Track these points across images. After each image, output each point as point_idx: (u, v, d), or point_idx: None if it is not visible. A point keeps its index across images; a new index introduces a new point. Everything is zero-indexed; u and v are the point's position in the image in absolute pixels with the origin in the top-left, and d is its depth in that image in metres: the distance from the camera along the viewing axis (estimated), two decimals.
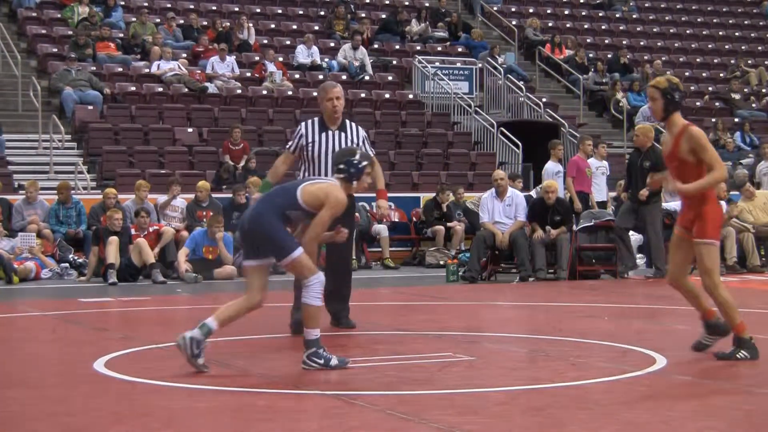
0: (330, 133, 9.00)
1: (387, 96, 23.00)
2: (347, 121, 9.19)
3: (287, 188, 7.14)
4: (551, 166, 16.48)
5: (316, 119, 9.15)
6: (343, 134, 9.02)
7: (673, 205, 16.27)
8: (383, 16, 26.71)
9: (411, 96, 23.24)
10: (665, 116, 7.29)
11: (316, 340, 6.97)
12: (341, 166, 7.19)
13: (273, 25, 25.42)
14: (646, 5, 32.17)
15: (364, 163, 7.19)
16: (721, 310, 7.35)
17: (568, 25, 29.58)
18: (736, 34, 31.41)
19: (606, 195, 17.10)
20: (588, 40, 28.78)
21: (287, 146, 9.26)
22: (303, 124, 9.18)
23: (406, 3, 28.00)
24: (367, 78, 23.35)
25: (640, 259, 16.37)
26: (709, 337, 7.52)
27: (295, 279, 7.95)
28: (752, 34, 31.62)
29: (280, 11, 26.32)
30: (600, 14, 30.89)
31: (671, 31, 30.78)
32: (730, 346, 7.32)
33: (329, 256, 9.28)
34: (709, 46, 30.26)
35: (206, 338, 6.93)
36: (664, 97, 7.27)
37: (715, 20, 32.18)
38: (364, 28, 24.87)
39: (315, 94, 22.06)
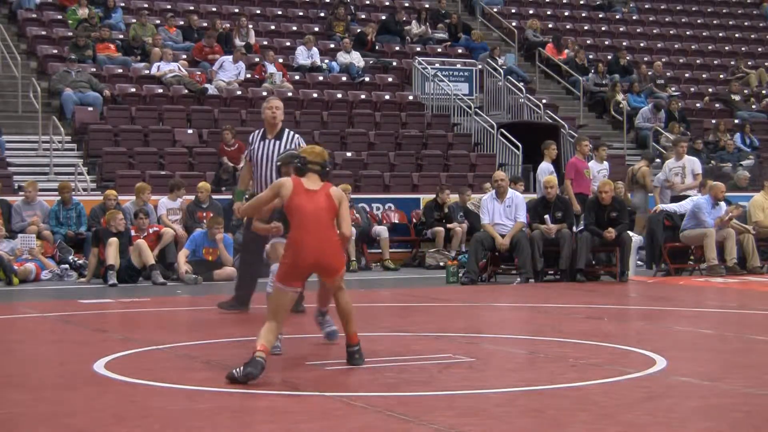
0: (267, 141, 10.38)
1: (387, 97, 23.00)
2: (286, 131, 10.47)
3: None
4: (545, 167, 16.47)
5: (261, 130, 10.52)
6: (278, 142, 10.36)
7: (673, 206, 16.29)
8: (383, 17, 26.70)
9: (411, 97, 23.23)
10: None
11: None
12: None
13: (273, 27, 25.42)
14: (646, 6, 32.17)
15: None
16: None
17: (568, 27, 29.58)
18: (736, 35, 31.41)
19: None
20: (588, 42, 28.78)
21: (244, 156, 10.76)
22: (252, 134, 10.60)
23: (406, 4, 28.01)
24: (367, 80, 23.38)
25: (640, 261, 16.38)
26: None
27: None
28: (752, 36, 31.62)
29: (280, 12, 26.32)
30: (600, 15, 30.89)
31: (671, 32, 30.78)
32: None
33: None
34: (709, 47, 30.26)
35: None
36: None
37: (715, 21, 32.19)
38: (370, 30, 24.88)
39: (315, 95, 22.28)
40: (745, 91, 27.82)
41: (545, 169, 16.33)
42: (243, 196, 10.63)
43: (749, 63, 29.33)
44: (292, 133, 10.53)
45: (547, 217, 14.80)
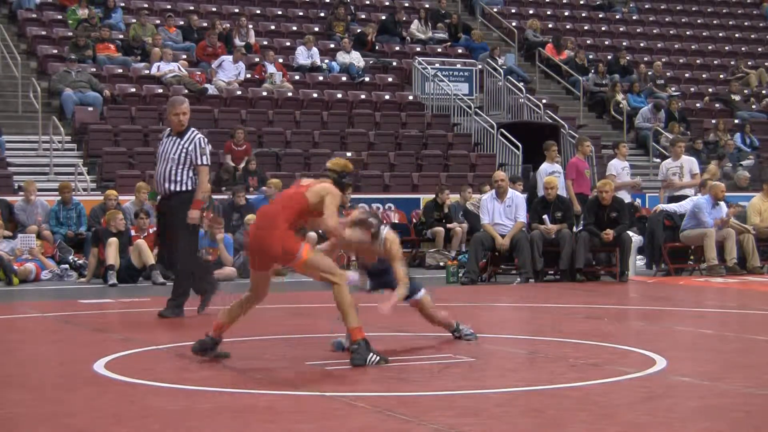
0: (170, 138, 10.46)
1: (387, 97, 23.00)
2: (190, 130, 10.45)
3: None
4: (546, 167, 16.49)
5: (168, 129, 10.68)
6: (178, 140, 10.37)
7: (673, 206, 16.29)
8: (383, 17, 26.70)
9: (411, 97, 23.24)
10: None
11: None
12: None
13: (273, 27, 25.42)
14: (646, 6, 32.18)
15: None
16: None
17: (568, 27, 29.58)
18: (736, 35, 31.42)
19: (629, 197, 17.08)
20: (588, 42, 28.78)
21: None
22: (162, 134, 10.95)
23: (406, 4, 28.00)
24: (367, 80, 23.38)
25: (640, 260, 16.38)
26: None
27: None
28: (752, 36, 31.63)
29: (280, 12, 26.32)
30: (600, 15, 30.89)
31: (671, 32, 30.79)
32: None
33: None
34: (709, 47, 30.27)
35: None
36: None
37: (715, 21, 32.19)
38: (370, 30, 24.89)
39: (315, 95, 22.27)
40: (745, 91, 27.82)
41: (546, 170, 16.37)
42: (155, 197, 11.11)
43: (749, 63, 29.33)
44: (195, 132, 10.52)
45: (545, 217, 14.80)
